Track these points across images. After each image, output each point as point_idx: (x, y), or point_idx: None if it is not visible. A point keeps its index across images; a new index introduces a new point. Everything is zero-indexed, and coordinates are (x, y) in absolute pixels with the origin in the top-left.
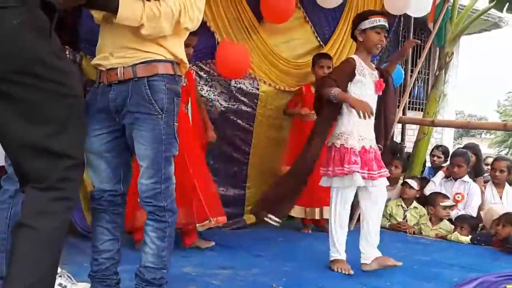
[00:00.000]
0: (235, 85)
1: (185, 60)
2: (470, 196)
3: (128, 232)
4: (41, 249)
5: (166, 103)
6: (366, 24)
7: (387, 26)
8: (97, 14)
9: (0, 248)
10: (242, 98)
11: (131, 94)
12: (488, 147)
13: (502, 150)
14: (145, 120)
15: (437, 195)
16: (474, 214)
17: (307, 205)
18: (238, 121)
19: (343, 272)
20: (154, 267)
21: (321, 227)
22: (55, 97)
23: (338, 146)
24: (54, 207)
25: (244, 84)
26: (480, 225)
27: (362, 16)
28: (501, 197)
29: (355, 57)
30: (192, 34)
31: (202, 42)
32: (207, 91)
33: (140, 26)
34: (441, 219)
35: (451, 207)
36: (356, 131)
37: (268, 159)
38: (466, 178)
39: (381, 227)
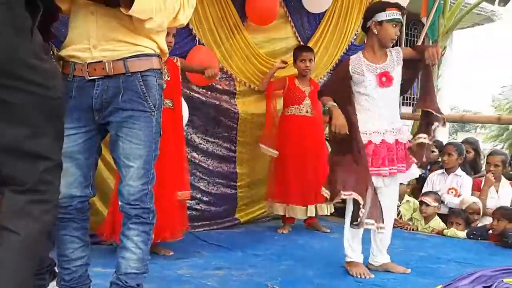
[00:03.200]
0: (212, 85)
1: (167, 52)
2: (462, 189)
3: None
4: (20, 254)
5: (158, 100)
6: (383, 16)
7: (402, 20)
8: (65, 5)
9: None
10: (222, 98)
11: (124, 90)
12: (483, 141)
13: (497, 145)
14: (139, 118)
15: (424, 193)
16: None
17: (301, 203)
18: (221, 118)
19: (362, 277)
20: (137, 272)
21: (312, 226)
22: (35, 99)
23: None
24: (33, 210)
25: (220, 84)
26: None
27: (378, 8)
28: (497, 191)
29: (354, 56)
30: None
31: (182, 46)
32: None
33: (148, 19)
34: (434, 215)
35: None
36: (364, 126)
37: (256, 158)
38: (459, 171)
39: None
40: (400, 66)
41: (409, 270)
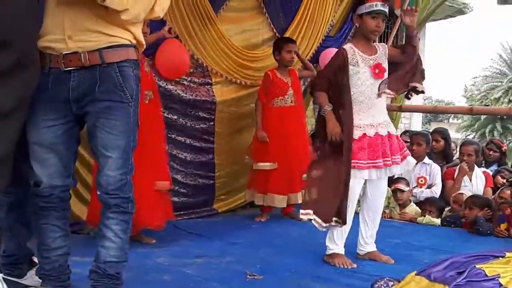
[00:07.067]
0: (186, 77)
1: (144, 43)
2: (432, 177)
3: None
4: None
5: (135, 90)
6: (363, 9)
7: (386, 11)
8: None
9: None
10: (198, 91)
11: (100, 81)
12: (455, 131)
13: (469, 134)
14: (117, 109)
15: (394, 180)
16: (438, 194)
17: (281, 192)
18: (199, 113)
19: (345, 266)
20: (117, 261)
21: (289, 214)
22: None
23: (356, 138)
24: None
25: (195, 76)
26: (447, 208)
27: (360, 0)
28: (470, 180)
29: (347, 46)
30: None
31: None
32: (160, 86)
33: (123, 10)
34: (410, 201)
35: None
36: (358, 120)
37: (234, 148)
38: (427, 160)
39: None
40: (387, 61)
41: (392, 261)
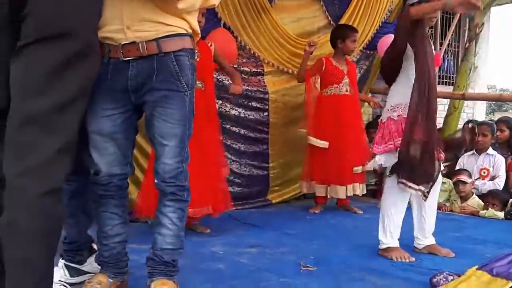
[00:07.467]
0: (238, 68)
1: (199, 32)
2: (496, 169)
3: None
4: None
5: (191, 79)
6: None
7: None
8: None
9: None
10: (249, 81)
11: (157, 70)
12: None
13: None
14: (174, 98)
15: (455, 172)
16: (502, 186)
17: (341, 183)
18: (252, 103)
19: (403, 260)
20: (173, 248)
21: (344, 206)
22: None
23: (396, 118)
24: None
25: (247, 66)
26: (511, 201)
27: None
28: None
29: None
30: None
31: (208, 28)
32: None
33: None
34: (472, 194)
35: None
36: None
37: (288, 139)
38: (490, 150)
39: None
40: None
41: (452, 254)
